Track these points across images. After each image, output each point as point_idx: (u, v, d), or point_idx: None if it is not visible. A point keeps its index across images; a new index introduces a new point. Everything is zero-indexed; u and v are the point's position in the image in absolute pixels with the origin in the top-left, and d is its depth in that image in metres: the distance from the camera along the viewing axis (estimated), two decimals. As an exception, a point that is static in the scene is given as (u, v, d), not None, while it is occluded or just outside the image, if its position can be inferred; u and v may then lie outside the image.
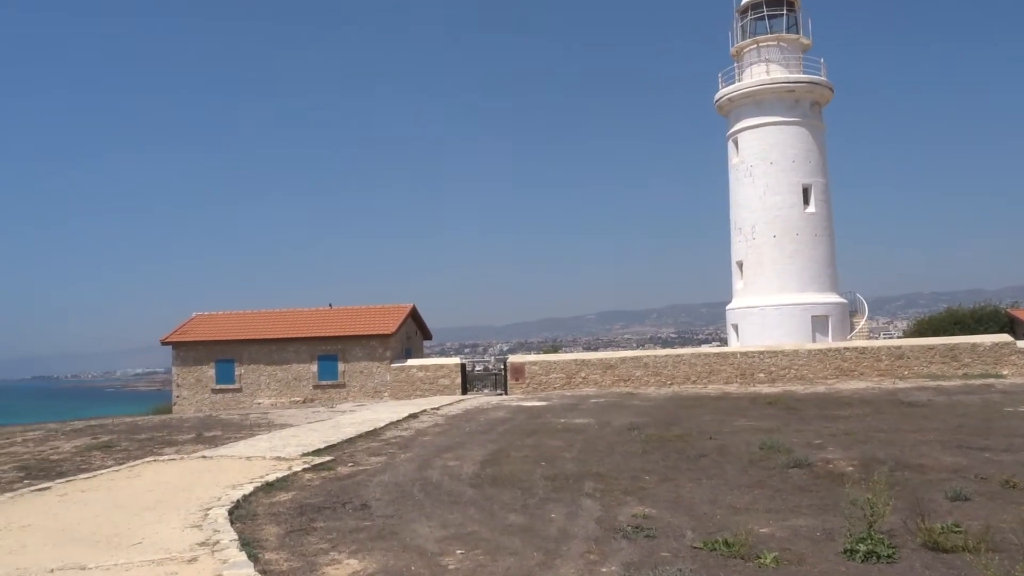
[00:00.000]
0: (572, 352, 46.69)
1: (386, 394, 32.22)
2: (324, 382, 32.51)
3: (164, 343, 33.42)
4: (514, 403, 24.43)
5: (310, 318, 34.26)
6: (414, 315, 35.85)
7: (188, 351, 33.42)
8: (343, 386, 32.43)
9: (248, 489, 10.69)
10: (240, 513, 9.37)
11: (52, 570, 6.88)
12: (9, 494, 10.88)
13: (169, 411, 33.25)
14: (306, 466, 12.67)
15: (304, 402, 32.34)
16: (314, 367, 32.63)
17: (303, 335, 32.78)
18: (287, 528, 8.70)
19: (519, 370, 31.20)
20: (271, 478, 11.56)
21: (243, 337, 33.10)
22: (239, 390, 32.94)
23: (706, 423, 16.99)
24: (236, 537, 7.86)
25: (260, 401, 32.67)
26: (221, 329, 34.01)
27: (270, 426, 19.45)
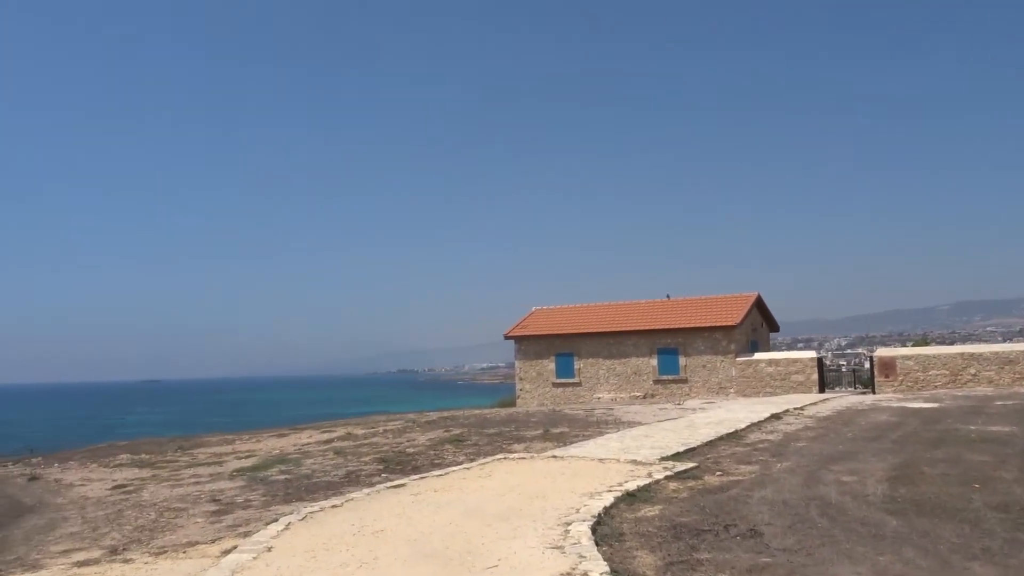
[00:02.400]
0: (946, 346, 40.53)
1: (731, 390, 29.80)
2: (664, 377, 30.92)
3: (507, 337, 34.04)
4: (894, 403, 20.76)
5: (648, 310, 32.89)
6: (759, 305, 33.00)
7: (529, 345, 33.71)
8: (684, 381, 30.58)
9: (608, 500, 9.19)
10: (604, 532, 7.85)
11: (402, 597, 5.79)
12: (367, 489, 10.48)
13: (512, 403, 33.83)
14: (668, 473, 10.96)
15: (644, 397, 31.00)
16: (654, 361, 31.18)
17: (642, 327, 31.48)
18: (665, 558, 6.97)
19: (889, 365, 27.04)
20: (631, 487, 10.00)
21: (581, 331, 32.63)
22: (579, 384, 32.50)
23: None
24: (607, 570, 6.28)
25: (600, 396, 31.94)
26: (559, 323, 33.90)
27: (618, 423, 18.13)
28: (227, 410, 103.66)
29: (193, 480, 12.82)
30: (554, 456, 12.78)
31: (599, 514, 8.49)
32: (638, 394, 31.30)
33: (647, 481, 10.39)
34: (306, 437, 19.58)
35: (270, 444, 18.43)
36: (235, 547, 7.52)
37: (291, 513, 8.99)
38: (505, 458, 12.88)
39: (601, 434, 15.89)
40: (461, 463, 12.85)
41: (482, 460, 12.86)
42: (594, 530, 7.81)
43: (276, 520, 8.66)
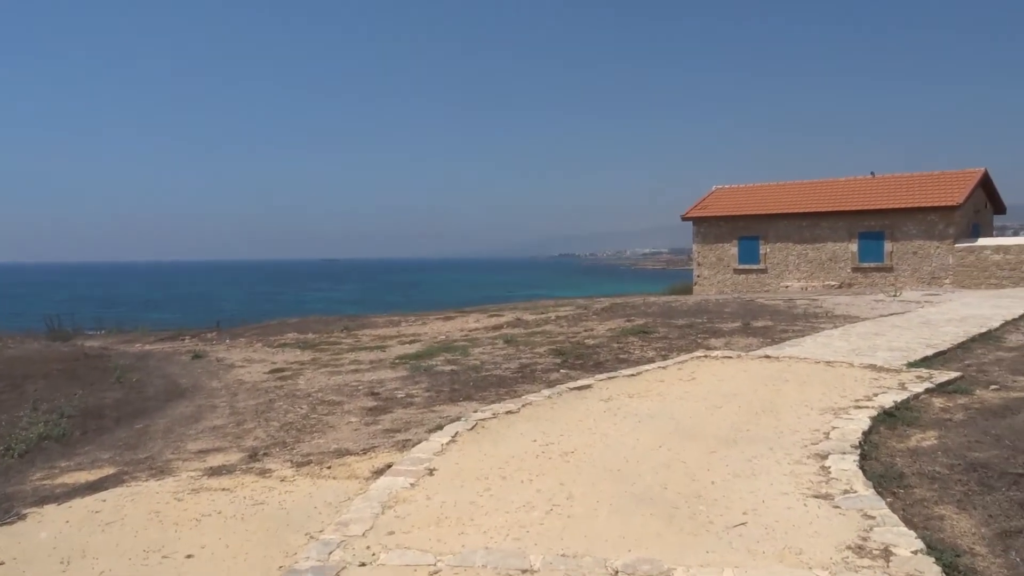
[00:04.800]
0: None
1: (946, 281, 26.05)
2: (865, 264, 27.47)
3: (685, 219, 31.37)
4: None
5: (848, 189, 29.14)
6: (985, 183, 28.44)
7: (709, 228, 30.94)
8: (889, 270, 27.04)
9: (861, 420, 6.99)
10: (875, 470, 5.71)
11: (618, 572, 3.94)
12: (546, 391, 8.74)
13: (687, 291, 31.47)
14: (928, 385, 8.53)
15: (840, 286, 27.78)
16: (853, 246, 27.72)
17: (841, 208, 27.91)
18: (987, 521, 4.77)
19: None
20: (885, 402, 7.71)
21: (769, 212, 29.44)
22: (764, 271, 29.61)
23: None
24: (921, 546, 4.17)
25: (788, 284, 28.96)
26: (744, 203, 30.79)
27: (830, 317, 15.50)
28: (398, 290, 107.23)
29: (353, 367, 11.62)
30: (767, 356, 10.56)
31: (859, 442, 6.33)
32: (832, 283, 28.07)
33: (903, 395, 8.05)
34: (473, 321, 18.27)
35: (436, 328, 17.24)
36: (389, 465, 5.96)
37: (458, 419, 7.37)
38: (706, 356, 10.79)
39: (816, 330, 13.40)
40: (652, 360, 10.91)
41: (678, 358, 10.85)
42: (862, 468, 5.68)
43: (441, 428, 7.07)
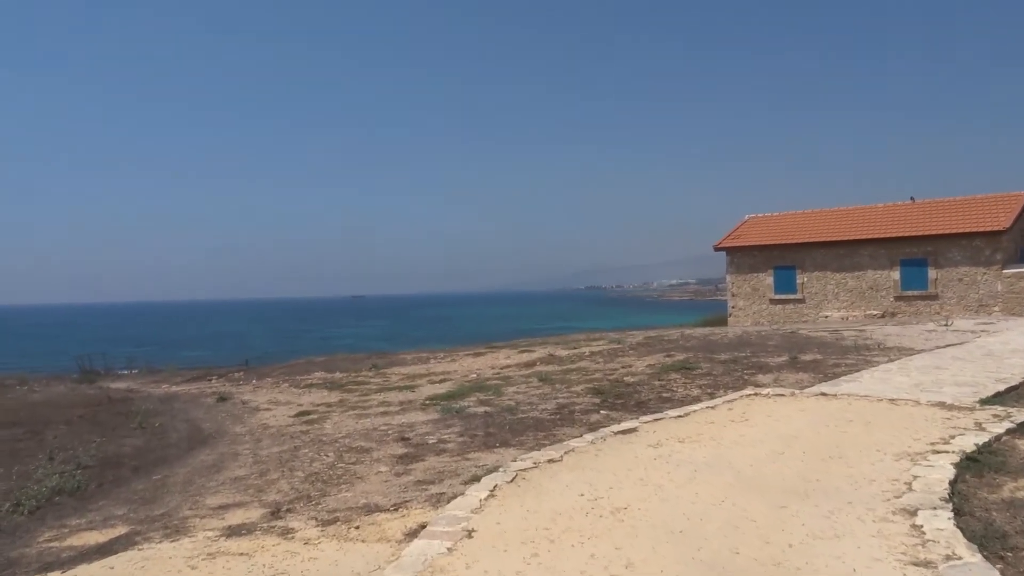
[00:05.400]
0: None
1: (995, 308, 25.07)
2: (909, 292, 26.54)
3: (718, 249, 30.68)
4: None
5: (888, 215, 28.31)
6: (1031, 206, 27.42)
7: (743, 257, 30.20)
8: (934, 298, 26.08)
9: (944, 467, 6.30)
10: (973, 528, 5.02)
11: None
12: (589, 435, 8.12)
13: (722, 322, 30.68)
14: (1007, 425, 7.81)
15: (883, 316, 26.86)
16: (895, 274, 26.81)
17: (880, 235, 27.07)
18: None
19: None
20: (965, 445, 7.00)
21: (805, 240, 28.67)
22: (801, 300, 28.76)
23: None
24: (1056, 629, 3.50)
25: (827, 314, 28.08)
26: (779, 232, 30.06)
27: (883, 349, 14.71)
28: (427, 325, 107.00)
29: (382, 410, 11.08)
30: (823, 394, 9.86)
31: (947, 494, 5.65)
32: (875, 312, 27.15)
33: (983, 437, 7.33)
34: (504, 357, 17.70)
35: (466, 365, 16.69)
36: (423, 525, 5.38)
37: (496, 469, 6.78)
38: (756, 394, 10.11)
39: (870, 363, 12.64)
40: (698, 398, 10.26)
41: (725, 396, 10.18)
42: (958, 526, 5.01)
43: (478, 480, 6.48)
